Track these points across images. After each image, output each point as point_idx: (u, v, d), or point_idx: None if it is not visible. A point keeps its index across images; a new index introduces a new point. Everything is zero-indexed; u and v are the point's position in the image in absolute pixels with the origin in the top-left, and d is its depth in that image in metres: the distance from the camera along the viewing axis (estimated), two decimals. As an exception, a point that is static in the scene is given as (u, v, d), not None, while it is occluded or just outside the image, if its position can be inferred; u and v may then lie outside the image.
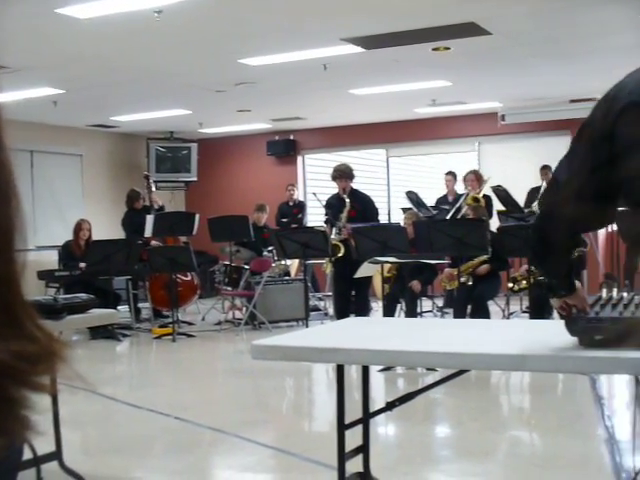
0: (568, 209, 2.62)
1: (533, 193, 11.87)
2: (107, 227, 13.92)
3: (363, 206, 9.76)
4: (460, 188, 12.15)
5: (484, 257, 9.04)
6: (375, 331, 3.70)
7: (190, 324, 11.80)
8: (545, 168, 12.33)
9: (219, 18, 7.83)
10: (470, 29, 8.44)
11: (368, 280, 9.62)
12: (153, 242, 12.03)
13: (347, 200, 9.57)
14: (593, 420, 5.99)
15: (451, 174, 12.57)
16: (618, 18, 8.24)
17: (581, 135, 2.63)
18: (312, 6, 7.57)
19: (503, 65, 10.55)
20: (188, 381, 8.29)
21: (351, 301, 9.88)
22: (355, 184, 9.92)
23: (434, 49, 9.37)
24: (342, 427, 3.55)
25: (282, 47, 9.10)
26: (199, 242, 13.15)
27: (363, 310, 9.67)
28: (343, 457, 3.56)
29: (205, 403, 7.05)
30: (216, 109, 13.44)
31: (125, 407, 6.76)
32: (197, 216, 12.25)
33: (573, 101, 13.57)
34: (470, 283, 9.06)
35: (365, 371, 3.85)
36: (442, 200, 12.40)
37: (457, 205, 11.17)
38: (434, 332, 3.62)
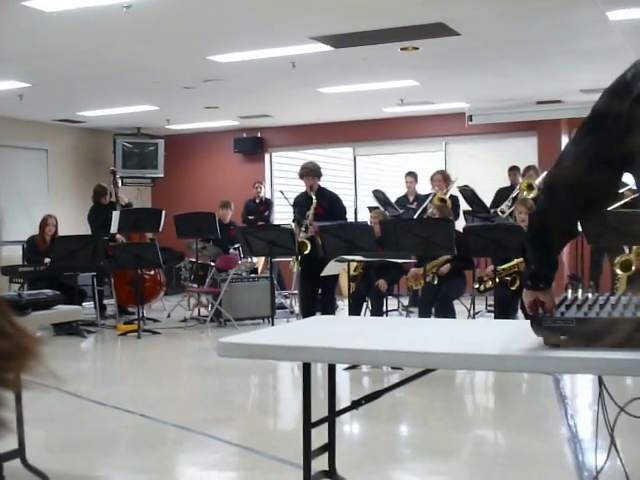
0: (572, 181, 2.67)
1: (501, 194, 11.92)
2: (73, 223, 13.83)
3: (330, 204, 9.76)
4: (425, 188, 12.19)
5: (448, 256, 9.08)
6: (342, 329, 3.70)
7: (155, 321, 11.75)
8: (514, 169, 12.41)
9: (188, 14, 7.80)
10: (439, 29, 8.47)
11: (334, 278, 9.62)
12: (118, 238, 11.96)
13: (314, 198, 9.57)
14: (556, 419, 6.04)
15: (412, 175, 12.61)
16: (585, 21, 8.31)
17: (591, 120, 2.64)
18: (282, 4, 7.56)
19: (471, 66, 10.60)
20: (153, 378, 8.25)
21: (317, 299, 9.87)
22: (322, 182, 9.92)
23: (403, 49, 9.39)
24: (308, 425, 3.55)
25: (251, 44, 9.08)
26: (165, 239, 13.10)
27: (329, 308, 9.67)
28: (309, 455, 3.56)
29: (170, 400, 7.02)
30: (184, 105, 13.39)
31: (89, 404, 6.72)
32: (163, 212, 12.21)
33: (540, 103, 13.69)
34: (435, 282, 9.09)
35: (331, 369, 3.85)
36: (402, 200, 12.42)
37: (424, 205, 11.20)
38: (401, 331, 3.63)
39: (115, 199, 12.67)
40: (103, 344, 10.59)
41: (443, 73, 11.13)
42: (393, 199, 12.15)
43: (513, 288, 8.80)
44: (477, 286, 9.14)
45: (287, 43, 9.03)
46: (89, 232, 12.33)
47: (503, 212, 11.16)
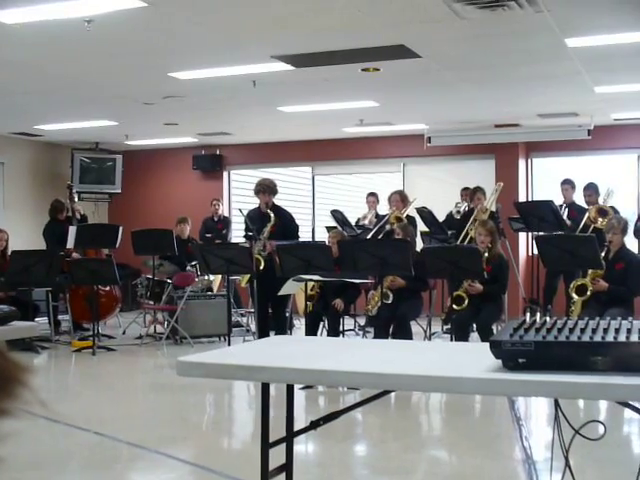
0: None
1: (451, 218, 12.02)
2: (28, 237, 13.70)
3: (283, 222, 9.78)
4: (384, 209, 12.24)
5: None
6: (300, 350, 3.70)
7: (110, 337, 11.66)
8: (466, 189, 12.49)
9: (150, 30, 7.78)
10: (400, 51, 8.53)
11: (286, 297, 9.63)
12: (74, 254, 11.85)
13: (272, 215, 9.57)
14: (511, 440, 6.08)
15: (373, 195, 12.64)
16: (544, 47, 8.41)
17: None
18: (243, 22, 7.57)
19: (431, 88, 10.68)
20: (107, 395, 8.18)
21: (269, 317, 9.89)
22: (280, 201, 9.94)
23: (363, 70, 9.44)
24: (266, 445, 3.54)
25: (212, 62, 9.08)
26: (122, 255, 13.01)
27: (281, 327, 9.67)
28: (267, 476, 3.55)
29: (125, 418, 6.96)
30: (143, 121, 13.34)
31: (42, 421, 6.62)
32: (120, 228, 12.13)
33: (498, 126, 13.81)
34: (390, 300, 9.08)
35: (290, 390, 3.85)
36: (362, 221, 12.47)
37: (380, 224, 11.26)
38: (359, 352, 3.64)
39: (72, 214, 12.58)
40: (57, 360, 10.48)
41: (403, 94, 11.21)
42: (351, 219, 12.16)
43: (460, 307, 8.81)
44: (456, 307, 9.01)
45: (248, 61, 9.03)
46: (44, 247, 12.21)
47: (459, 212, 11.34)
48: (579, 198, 11.82)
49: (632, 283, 8.06)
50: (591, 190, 11.02)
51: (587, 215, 10.50)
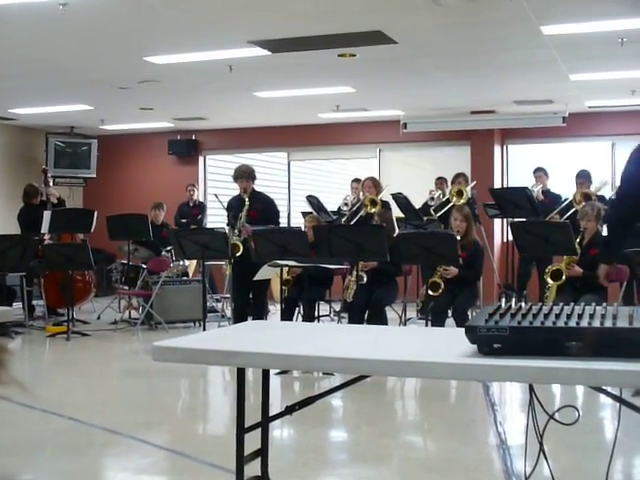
0: None
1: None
2: (2, 222, 13.62)
3: (264, 207, 9.75)
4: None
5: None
6: (276, 335, 3.70)
7: (85, 323, 11.61)
8: (440, 179, 12.54)
9: (126, 14, 7.73)
10: (376, 37, 8.52)
11: (266, 283, 9.62)
12: (46, 238, 11.76)
13: (247, 200, 9.55)
14: (486, 426, 6.11)
15: (357, 181, 12.60)
16: (520, 35, 8.43)
17: None
18: (220, 7, 7.54)
19: (407, 74, 10.69)
20: (82, 381, 8.16)
21: (249, 303, 9.86)
22: (256, 187, 9.91)
23: (340, 55, 9.43)
24: (242, 430, 3.54)
25: (188, 46, 9.04)
26: (96, 240, 12.94)
27: (260, 313, 9.66)
28: (242, 460, 3.55)
29: (99, 403, 6.94)
30: (118, 106, 13.27)
31: (16, 407, 6.59)
32: (95, 213, 12.07)
33: (474, 112, 13.85)
34: (364, 281, 9.08)
35: (265, 375, 3.84)
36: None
37: (353, 209, 11.26)
38: (335, 337, 3.64)
39: (46, 198, 12.49)
40: (31, 345, 10.43)
41: (379, 81, 11.20)
42: (327, 205, 12.14)
43: (436, 293, 8.83)
44: (431, 293, 8.99)
45: (225, 46, 9.00)
46: (19, 232, 12.13)
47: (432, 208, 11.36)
48: (554, 185, 11.91)
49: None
50: (583, 178, 10.99)
51: (573, 197, 10.49)
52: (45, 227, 11.75)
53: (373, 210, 10.39)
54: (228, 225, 9.95)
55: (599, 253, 6.27)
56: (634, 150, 5.27)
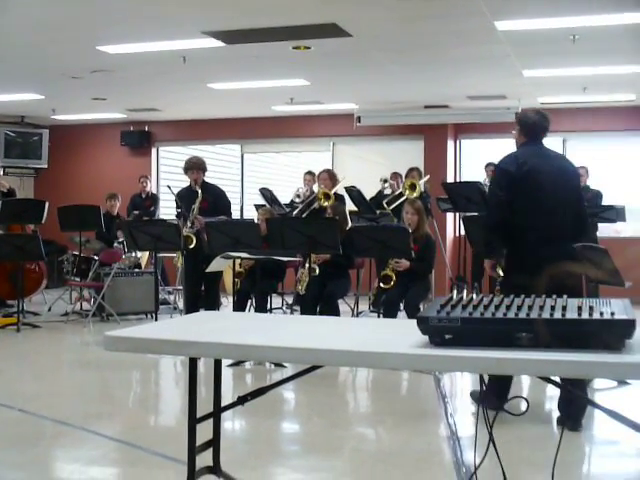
0: None
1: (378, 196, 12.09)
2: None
3: (215, 198, 9.72)
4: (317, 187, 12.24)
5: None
6: (228, 325, 3.70)
7: (36, 314, 11.51)
8: (395, 174, 12.60)
9: (79, 2, 7.65)
10: (331, 30, 8.52)
11: (218, 275, 9.60)
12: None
13: (199, 192, 9.51)
14: (437, 418, 6.16)
15: (310, 173, 12.57)
16: (474, 30, 8.48)
17: None
18: (174, -3, 7.51)
19: (361, 68, 10.70)
20: (32, 372, 8.10)
21: (201, 295, 9.83)
22: (209, 179, 9.87)
23: (294, 48, 9.42)
24: (194, 421, 3.54)
25: (142, 36, 8.97)
26: (48, 231, 12.82)
27: (212, 305, 9.64)
28: (194, 451, 3.55)
29: (50, 395, 6.89)
30: (70, 96, 13.14)
31: (-35, 398, 6.55)
32: (47, 204, 11.95)
33: (427, 107, 13.92)
34: (317, 273, 9.10)
35: (217, 365, 3.85)
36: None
37: (307, 201, 11.25)
38: (287, 327, 3.65)
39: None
40: (-20, 337, 10.32)
41: (333, 74, 11.21)
42: (280, 197, 12.13)
43: (387, 286, 8.87)
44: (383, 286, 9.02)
45: (178, 37, 8.95)
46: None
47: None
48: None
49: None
50: None
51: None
52: (-5, 217, 11.61)
53: (326, 203, 10.40)
54: (178, 217, 9.91)
55: (483, 251, 6.59)
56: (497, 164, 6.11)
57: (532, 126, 6.00)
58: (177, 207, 9.87)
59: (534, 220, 5.68)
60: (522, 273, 5.35)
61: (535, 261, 5.41)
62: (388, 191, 11.96)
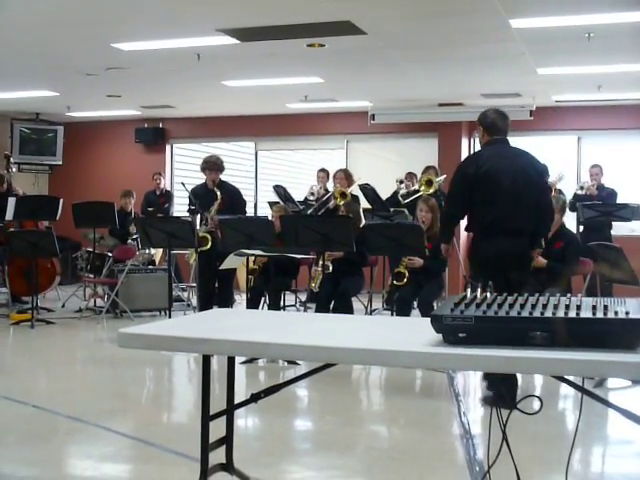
0: None
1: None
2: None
3: (231, 197, 9.72)
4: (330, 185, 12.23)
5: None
6: (242, 323, 3.71)
7: (50, 311, 11.54)
8: (410, 174, 12.60)
9: (92, 0, 7.67)
10: (345, 28, 8.52)
11: (232, 272, 9.60)
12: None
13: (218, 193, 9.50)
14: (450, 416, 6.15)
15: (324, 171, 12.57)
16: (488, 28, 8.47)
17: None
18: (189, -6, 7.52)
19: (376, 65, 10.69)
20: (46, 368, 8.12)
21: (215, 293, 9.84)
22: (223, 176, 9.87)
23: (309, 45, 9.42)
24: (207, 418, 3.54)
25: (156, 34, 8.99)
26: (62, 227, 12.86)
27: (226, 302, 9.64)
28: (207, 448, 3.56)
29: (63, 391, 6.91)
30: (85, 93, 13.17)
31: (-21, 394, 6.57)
32: (61, 201, 11.98)
33: (441, 105, 13.89)
34: (330, 270, 9.08)
35: (231, 362, 3.85)
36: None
37: (323, 199, 11.25)
38: (301, 325, 3.65)
39: (8, 185, 12.37)
40: (-6, 333, 10.36)
41: (348, 71, 11.21)
42: (294, 195, 12.13)
43: (400, 283, 8.86)
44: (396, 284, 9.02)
45: (193, 34, 8.96)
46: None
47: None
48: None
49: (570, 261, 8.17)
50: None
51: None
52: (10, 214, 11.65)
53: (342, 202, 10.39)
54: (189, 212, 9.91)
55: (439, 236, 7.24)
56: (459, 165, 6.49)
57: (491, 125, 6.28)
58: (190, 204, 9.86)
59: (490, 216, 6.08)
60: (477, 264, 6.22)
61: (488, 253, 6.06)
62: (403, 192, 11.94)
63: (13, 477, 4.72)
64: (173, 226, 9.52)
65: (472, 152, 14.77)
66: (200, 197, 9.67)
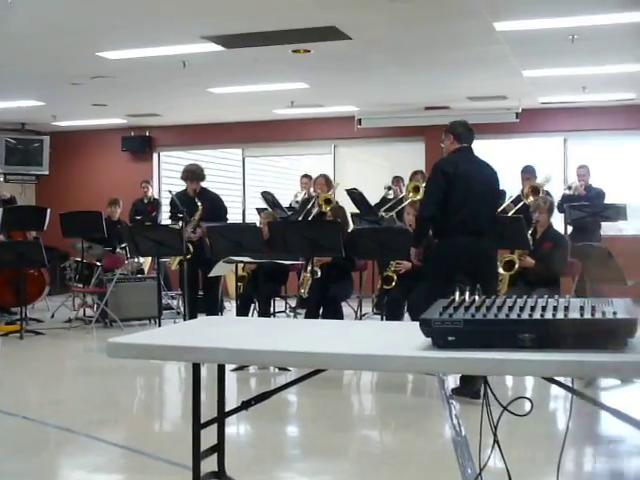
0: None
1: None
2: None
3: (211, 204, 9.73)
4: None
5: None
6: (231, 330, 3.70)
7: (39, 321, 11.51)
8: (397, 178, 12.62)
9: (78, 8, 7.65)
10: (331, 33, 8.53)
11: (218, 279, 9.60)
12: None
13: (199, 204, 9.51)
14: (441, 419, 6.15)
15: (307, 176, 12.59)
16: (472, 31, 8.49)
17: None
18: (173, 2, 7.50)
19: (361, 70, 10.71)
20: (35, 379, 8.09)
21: (198, 300, 9.86)
22: (210, 183, 9.89)
23: (294, 51, 9.43)
24: (198, 426, 3.54)
25: (141, 42, 8.98)
26: (50, 237, 12.82)
27: (213, 309, 9.63)
28: (198, 456, 3.55)
29: (53, 402, 6.88)
30: (71, 102, 13.15)
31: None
32: (48, 211, 11.95)
33: (428, 108, 13.91)
34: (319, 275, 9.08)
35: (221, 370, 3.84)
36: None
37: (308, 206, 11.25)
38: (291, 332, 3.65)
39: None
40: (-17, 345, 10.32)
41: (334, 76, 11.22)
42: (282, 201, 12.13)
43: (388, 287, 8.87)
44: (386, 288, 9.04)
45: (178, 42, 8.96)
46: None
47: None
48: (504, 181, 11.96)
49: (558, 262, 8.20)
50: (528, 173, 11.09)
51: (521, 191, 10.55)
52: (-3, 225, 11.62)
53: (327, 208, 10.39)
54: (172, 219, 9.91)
55: (412, 241, 7.35)
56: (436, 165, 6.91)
57: (461, 133, 6.91)
58: (176, 210, 9.83)
59: (460, 217, 6.52)
60: (444, 261, 6.58)
61: (456, 251, 6.51)
62: (391, 196, 11.94)
63: (4, 489, 4.71)
64: (161, 234, 9.50)
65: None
66: (184, 204, 9.65)
